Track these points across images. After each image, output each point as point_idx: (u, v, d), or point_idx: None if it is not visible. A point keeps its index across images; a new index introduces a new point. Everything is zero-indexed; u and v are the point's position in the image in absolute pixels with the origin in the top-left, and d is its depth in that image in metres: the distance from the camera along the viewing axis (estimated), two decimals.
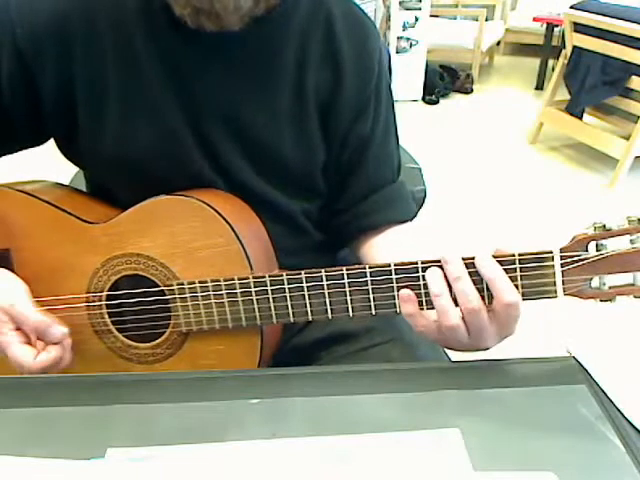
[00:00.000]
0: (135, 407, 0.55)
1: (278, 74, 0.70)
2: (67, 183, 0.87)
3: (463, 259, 0.57)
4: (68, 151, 0.76)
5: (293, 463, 0.48)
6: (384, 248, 0.78)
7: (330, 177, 0.78)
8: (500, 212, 2.67)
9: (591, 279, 0.56)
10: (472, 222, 2.55)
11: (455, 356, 0.68)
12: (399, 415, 0.54)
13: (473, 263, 0.57)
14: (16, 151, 0.77)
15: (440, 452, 0.49)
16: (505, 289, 0.56)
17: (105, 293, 0.68)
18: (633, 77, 2.82)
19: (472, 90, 4.43)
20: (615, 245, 0.54)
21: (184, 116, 0.68)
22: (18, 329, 0.64)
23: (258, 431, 0.52)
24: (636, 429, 0.51)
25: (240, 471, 0.48)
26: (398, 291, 0.59)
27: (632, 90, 2.88)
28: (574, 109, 3.16)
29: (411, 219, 0.81)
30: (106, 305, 0.69)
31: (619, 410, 0.53)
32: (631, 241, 0.54)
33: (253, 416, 0.54)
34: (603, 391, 0.55)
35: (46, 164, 1.22)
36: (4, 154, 0.77)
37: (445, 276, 0.57)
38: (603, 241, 0.55)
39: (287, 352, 0.80)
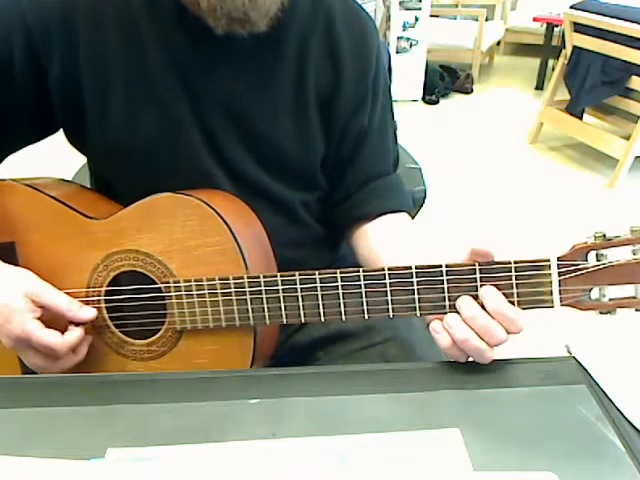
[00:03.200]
0: (135, 407, 0.56)
1: (279, 68, 0.71)
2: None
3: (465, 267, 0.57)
4: (75, 140, 0.76)
5: (293, 463, 0.48)
6: (376, 236, 0.79)
7: (329, 171, 0.79)
8: (500, 212, 2.67)
9: (590, 290, 0.54)
10: (472, 222, 2.55)
11: None
12: (399, 415, 0.54)
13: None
14: (26, 144, 0.78)
15: (440, 452, 0.49)
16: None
17: (104, 288, 0.69)
18: (633, 77, 2.82)
19: (472, 90, 4.42)
20: (616, 255, 0.53)
21: (187, 107, 0.69)
22: (37, 318, 0.64)
23: (258, 431, 0.52)
24: (636, 429, 0.51)
25: (240, 471, 0.48)
26: (392, 296, 0.59)
27: (632, 90, 2.88)
28: (574, 109, 3.16)
29: (406, 210, 0.82)
30: (104, 300, 0.69)
31: (619, 410, 0.53)
32: (633, 252, 0.52)
33: (253, 416, 0.54)
34: (603, 391, 0.55)
35: (47, 163, 1.22)
36: (16, 148, 0.77)
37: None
38: (604, 251, 0.53)
39: (286, 351, 0.80)
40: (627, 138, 2.88)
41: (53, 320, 0.65)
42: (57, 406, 0.56)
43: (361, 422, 0.52)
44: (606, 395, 0.55)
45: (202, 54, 0.68)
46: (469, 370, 0.60)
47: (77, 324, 0.66)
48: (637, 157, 2.87)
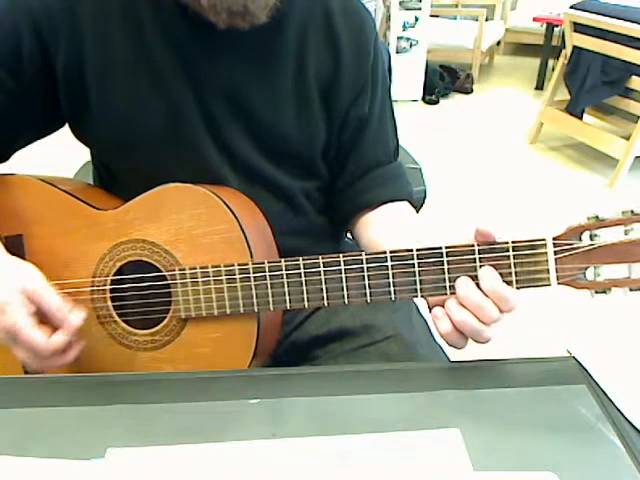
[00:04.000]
0: (135, 407, 0.56)
1: (280, 57, 0.72)
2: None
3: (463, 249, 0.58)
4: (79, 133, 0.77)
5: (293, 463, 0.48)
6: (377, 224, 0.80)
7: (330, 159, 0.80)
8: (500, 212, 2.67)
9: (586, 269, 0.56)
10: (472, 222, 2.55)
11: (455, 356, 0.68)
12: (399, 415, 0.54)
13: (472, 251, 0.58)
14: (34, 139, 0.78)
15: (440, 452, 0.49)
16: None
17: (109, 278, 0.69)
18: (633, 77, 2.82)
19: (472, 90, 4.42)
20: (609, 235, 0.55)
21: (190, 95, 0.70)
22: (31, 314, 0.64)
23: (258, 431, 0.52)
24: (636, 429, 0.51)
25: (240, 471, 0.48)
26: (393, 278, 0.60)
27: (632, 90, 2.88)
28: (574, 109, 3.16)
29: (407, 198, 0.83)
30: (109, 290, 0.70)
31: (619, 410, 0.53)
32: (625, 232, 0.54)
33: (253, 416, 0.54)
34: (603, 391, 0.56)
35: (47, 163, 1.22)
36: (24, 143, 0.78)
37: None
38: (597, 231, 0.55)
39: (286, 347, 0.81)
40: (627, 138, 2.87)
41: (47, 320, 0.64)
42: (57, 406, 0.56)
43: (361, 422, 0.52)
44: (606, 395, 0.55)
45: (204, 44, 0.69)
46: (469, 370, 0.60)
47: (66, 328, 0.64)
48: (637, 157, 2.87)
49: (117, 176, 0.78)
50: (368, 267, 0.60)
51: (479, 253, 0.58)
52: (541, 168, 3.18)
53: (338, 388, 0.58)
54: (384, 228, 0.79)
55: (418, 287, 0.60)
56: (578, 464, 0.48)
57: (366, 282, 0.61)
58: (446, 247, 0.58)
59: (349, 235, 0.89)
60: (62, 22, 0.68)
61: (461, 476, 0.47)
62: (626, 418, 0.52)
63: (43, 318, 0.64)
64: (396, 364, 0.71)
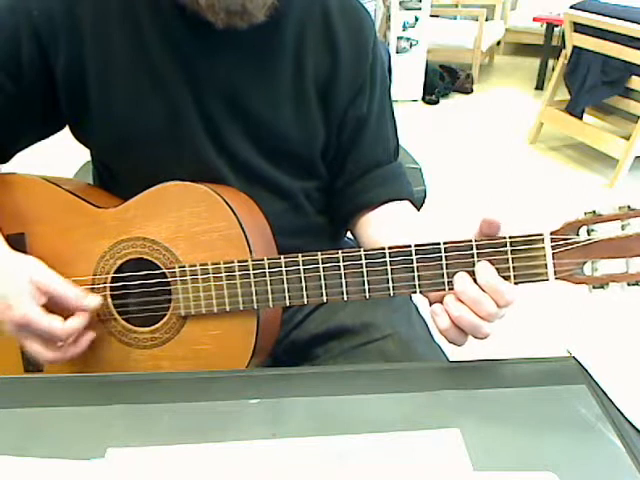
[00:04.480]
0: (135, 407, 0.56)
1: (278, 57, 0.73)
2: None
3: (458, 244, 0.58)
4: (80, 135, 0.77)
5: (293, 463, 0.48)
6: (378, 224, 0.80)
7: (329, 159, 0.80)
8: (500, 212, 2.67)
9: (583, 264, 0.56)
10: (472, 222, 2.55)
11: (455, 356, 0.68)
12: (399, 415, 0.54)
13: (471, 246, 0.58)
14: (34, 141, 0.79)
15: (440, 452, 0.49)
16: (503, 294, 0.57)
17: (110, 276, 0.70)
18: (633, 77, 2.82)
19: (472, 90, 4.42)
20: (606, 230, 0.55)
21: (189, 95, 0.71)
22: (40, 305, 0.65)
23: (258, 431, 0.52)
24: (636, 429, 0.51)
25: (240, 471, 0.48)
26: (392, 274, 0.60)
27: (632, 90, 2.88)
28: (574, 109, 3.16)
29: (407, 197, 0.83)
30: (110, 288, 0.70)
31: (619, 410, 0.53)
32: (622, 227, 0.54)
33: (253, 416, 0.54)
34: (603, 391, 0.55)
35: (46, 164, 1.22)
36: (24, 145, 0.78)
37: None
38: (594, 226, 0.55)
39: (285, 347, 0.81)
40: (627, 138, 2.87)
41: (57, 309, 0.65)
42: (57, 406, 0.56)
43: (361, 422, 0.52)
44: (606, 395, 0.55)
45: (202, 43, 0.70)
46: (469, 370, 0.60)
47: (80, 313, 0.66)
48: (637, 157, 2.87)
49: (117, 176, 0.79)
50: (367, 263, 0.61)
51: (477, 248, 0.58)
52: (541, 168, 3.18)
53: (338, 388, 0.58)
54: (384, 227, 0.79)
55: (416, 283, 0.60)
56: (578, 464, 0.48)
57: (365, 278, 0.61)
58: (444, 243, 0.59)
59: (349, 234, 0.89)
60: (62, 24, 0.68)
61: (461, 476, 0.47)
62: (626, 418, 0.52)
63: (52, 308, 0.65)
64: (396, 364, 0.71)
